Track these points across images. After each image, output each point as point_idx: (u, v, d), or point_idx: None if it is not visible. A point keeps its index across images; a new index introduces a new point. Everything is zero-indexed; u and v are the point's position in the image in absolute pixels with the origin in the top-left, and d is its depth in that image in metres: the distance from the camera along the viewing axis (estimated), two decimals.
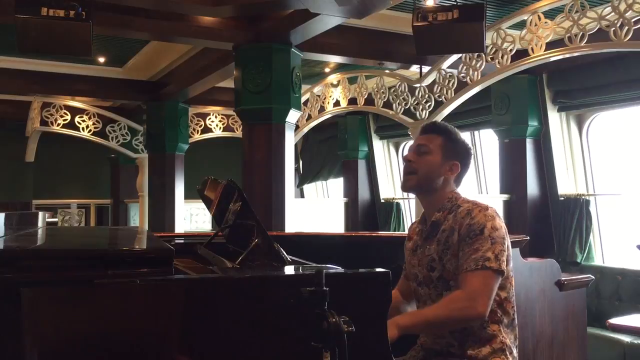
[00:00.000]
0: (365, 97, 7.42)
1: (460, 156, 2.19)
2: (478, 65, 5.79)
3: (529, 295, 2.95)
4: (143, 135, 9.22)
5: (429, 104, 6.51)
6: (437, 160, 2.15)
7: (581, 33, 4.77)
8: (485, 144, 8.25)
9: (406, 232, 2.40)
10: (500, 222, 2.05)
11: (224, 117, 9.96)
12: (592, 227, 6.37)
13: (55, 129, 9.08)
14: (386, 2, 4.73)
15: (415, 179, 2.17)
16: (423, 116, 6.56)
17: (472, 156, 2.27)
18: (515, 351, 2.06)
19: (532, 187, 6.82)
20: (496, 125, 7.06)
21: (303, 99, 7.26)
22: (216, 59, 6.75)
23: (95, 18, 4.10)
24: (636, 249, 4.75)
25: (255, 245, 2.12)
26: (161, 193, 8.67)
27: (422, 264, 2.14)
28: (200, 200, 3.07)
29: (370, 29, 6.19)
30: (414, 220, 2.42)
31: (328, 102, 7.93)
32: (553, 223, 6.74)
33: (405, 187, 2.22)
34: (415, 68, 7.08)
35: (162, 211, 8.58)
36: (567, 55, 5.02)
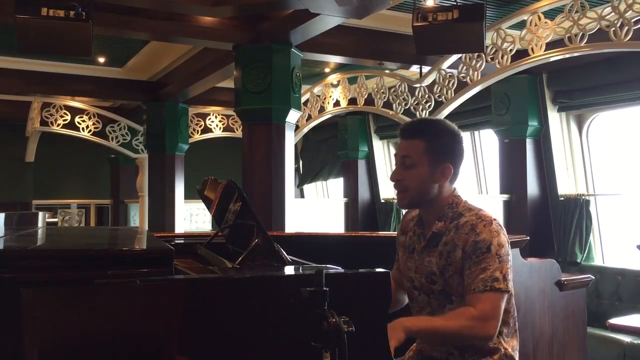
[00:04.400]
0: (365, 97, 7.42)
1: (450, 156, 2.03)
2: (478, 65, 5.79)
3: (529, 295, 2.95)
4: (143, 135, 9.22)
5: (429, 104, 6.51)
6: (424, 170, 2.00)
7: (581, 33, 4.77)
8: (485, 144, 8.25)
9: None
10: (505, 237, 1.97)
11: (224, 117, 9.96)
12: (592, 227, 6.37)
13: (55, 129, 9.09)
14: (386, 2, 4.73)
15: (408, 196, 2.04)
16: (423, 116, 6.56)
17: (463, 146, 2.07)
18: (516, 358, 2.05)
19: (532, 187, 6.82)
20: (496, 125, 7.06)
21: (303, 99, 7.26)
22: (216, 59, 6.75)
23: (95, 18, 4.10)
24: (636, 249, 4.75)
25: (255, 245, 2.12)
26: (161, 193, 8.66)
27: (420, 272, 2.07)
28: (200, 200, 3.07)
29: (370, 29, 6.19)
30: (407, 212, 2.28)
31: (328, 102, 7.94)
32: (553, 223, 6.74)
33: (402, 206, 2.12)
34: (415, 68, 7.08)
35: (162, 211, 8.58)
36: (567, 55, 5.02)
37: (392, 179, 2.08)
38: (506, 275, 1.92)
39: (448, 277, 1.99)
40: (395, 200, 9.35)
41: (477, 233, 1.94)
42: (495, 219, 2.00)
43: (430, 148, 2.01)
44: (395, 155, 2.10)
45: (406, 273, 2.15)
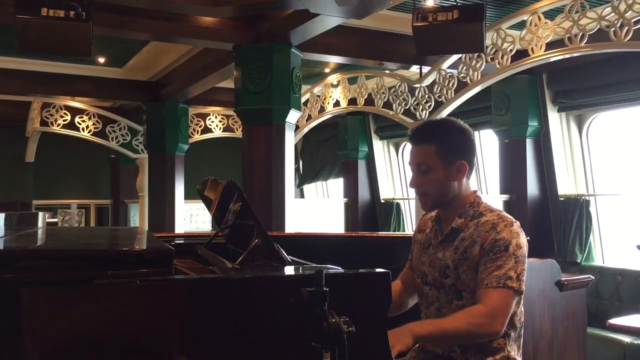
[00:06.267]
0: (365, 97, 7.42)
1: (463, 153, 2.05)
2: (478, 65, 5.79)
3: (529, 295, 2.95)
4: (143, 135, 9.23)
5: (429, 104, 6.51)
6: (440, 172, 2.03)
7: (581, 33, 4.77)
8: (485, 144, 8.25)
9: (406, 232, 2.37)
10: (524, 239, 2.00)
11: (224, 117, 9.97)
12: (592, 227, 6.37)
13: (55, 129, 9.09)
14: (386, 2, 4.73)
15: (430, 200, 2.08)
16: (423, 116, 6.56)
17: (473, 142, 2.11)
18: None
19: (532, 187, 6.82)
20: (496, 126, 7.07)
21: (303, 99, 7.26)
22: (216, 59, 6.75)
23: (95, 18, 4.09)
24: (636, 249, 4.75)
25: (255, 245, 2.12)
26: (161, 193, 8.67)
27: (433, 265, 2.08)
28: (200, 200, 3.07)
29: (370, 29, 6.19)
30: (425, 212, 2.31)
31: (328, 103, 7.94)
32: (553, 223, 6.74)
33: (425, 209, 2.16)
34: (415, 68, 7.08)
35: (162, 211, 8.59)
36: (567, 56, 5.02)
37: (411, 185, 2.11)
38: (520, 276, 1.94)
39: (461, 272, 2.00)
40: (395, 202, 9.41)
41: (497, 231, 1.97)
42: (516, 221, 2.02)
43: (442, 150, 2.03)
44: (410, 163, 2.12)
45: (419, 268, 2.17)
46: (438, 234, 2.12)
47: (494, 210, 2.06)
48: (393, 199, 9.33)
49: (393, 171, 9.70)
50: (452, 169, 2.04)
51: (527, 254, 2.00)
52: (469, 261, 1.98)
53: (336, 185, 11.05)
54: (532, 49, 5.16)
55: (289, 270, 1.90)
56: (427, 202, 2.10)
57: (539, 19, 5.04)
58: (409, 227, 8.78)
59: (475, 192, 2.11)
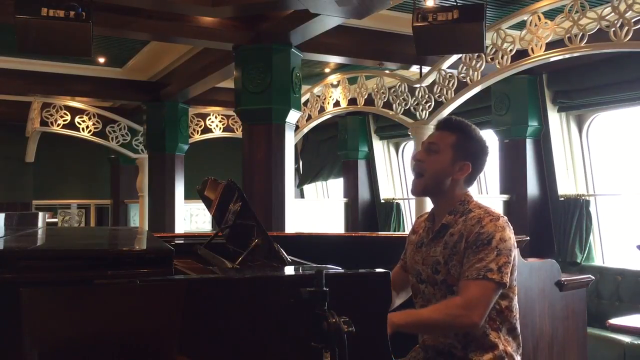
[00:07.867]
0: (365, 97, 7.42)
1: (473, 157, 2.10)
2: (478, 65, 5.79)
3: (529, 295, 2.95)
4: (143, 135, 9.23)
5: (429, 104, 6.52)
6: (446, 160, 2.08)
7: (581, 33, 4.77)
8: None
9: (406, 232, 2.38)
10: (510, 234, 2.01)
11: (224, 117, 9.97)
12: (592, 228, 6.37)
13: (55, 129, 9.10)
14: (386, 2, 4.73)
15: (422, 182, 2.11)
16: (423, 116, 6.56)
17: (486, 158, 2.16)
18: (518, 358, 2.05)
19: (532, 187, 6.82)
20: (496, 126, 7.06)
21: (303, 99, 7.26)
22: (216, 59, 6.75)
23: (95, 18, 4.09)
24: (636, 249, 4.75)
25: (255, 245, 2.13)
26: (161, 193, 8.67)
27: (426, 263, 2.11)
28: (200, 201, 3.07)
29: (370, 29, 6.19)
30: (420, 214, 2.37)
31: (328, 103, 7.94)
32: (553, 223, 6.74)
33: (414, 192, 2.18)
34: (415, 68, 7.08)
35: (162, 211, 8.58)
36: (567, 56, 5.02)
37: (414, 157, 2.16)
38: (502, 268, 1.95)
39: (451, 267, 2.02)
40: (395, 202, 9.39)
41: (482, 225, 2.00)
42: (503, 216, 2.05)
43: (458, 143, 2.09)
44: (423, 142, 2.17)
45: (413, 267, 2.19)
46: (430, 232, 2.16)
47: (482, 206, 2.09)
48: (393, 199, 9.33)
49: (393, 171, 9.70)
50: (457, 164, 2.09)
51: (513, 248, 2.01)
52: (457, 256, 2.01)
53: (336, 185, 11.05)
54: (532, 49, 5.16)
55: (289, 270, 1.90)
56: (420, 185, 2.13)
57: (539, 19, 5.04)
58: (409, 227, 8.73)
59: (465, 192, 2.15)
